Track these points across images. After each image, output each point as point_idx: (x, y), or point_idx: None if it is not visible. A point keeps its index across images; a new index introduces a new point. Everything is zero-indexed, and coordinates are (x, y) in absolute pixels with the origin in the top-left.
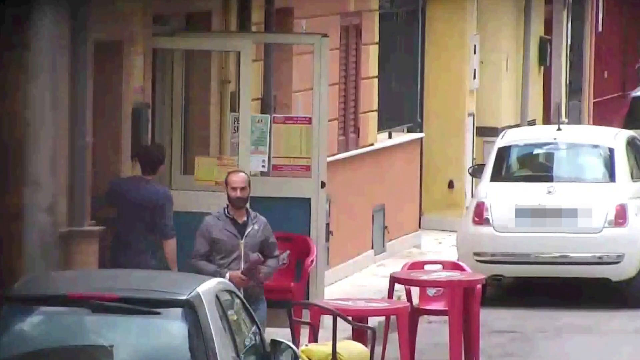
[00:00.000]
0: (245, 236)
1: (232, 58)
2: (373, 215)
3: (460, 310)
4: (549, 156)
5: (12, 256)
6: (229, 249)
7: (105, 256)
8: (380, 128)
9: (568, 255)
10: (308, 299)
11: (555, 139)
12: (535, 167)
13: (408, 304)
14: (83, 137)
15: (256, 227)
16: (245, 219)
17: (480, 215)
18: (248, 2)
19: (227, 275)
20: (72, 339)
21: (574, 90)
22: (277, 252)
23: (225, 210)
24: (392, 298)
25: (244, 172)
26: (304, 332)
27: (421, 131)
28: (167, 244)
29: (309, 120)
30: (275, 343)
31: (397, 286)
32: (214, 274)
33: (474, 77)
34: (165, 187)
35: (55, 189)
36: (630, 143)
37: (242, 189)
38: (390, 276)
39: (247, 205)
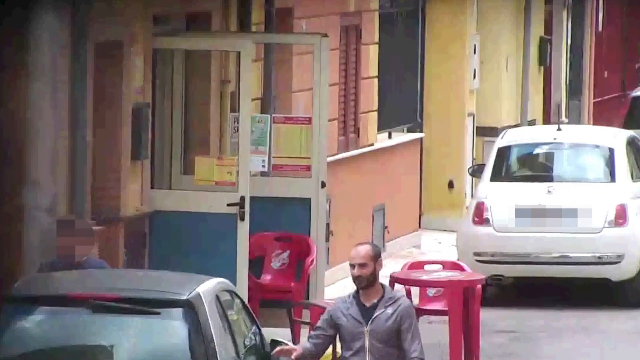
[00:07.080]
0: (371, 322)
1: (232, 58)
2: (373, 215)
3: (460, 310)
4: (549, 156)
5: (12, 256)
6: (351, 336)
7: None
8: (380, 128)
9: (568, 255)
10: (308, 299)
11: (555, 138)
12: (535, 167)
13: None
14: (83, 137)
15: (389, 311)
16: (375, 301)
17: (480, 215)
18: (248, 2)
19: None
20: (72, 339)
21: (574, 90)
22: (415, 344)
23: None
24: None
25: (369, 243)
26: (304, 332)
27: (421, 131)
28: None
29: (309, 120)
30: (275, 343)
31: (397, 286)
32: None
33: (474, 77)
34: None
35: (55, 189)
36: (630, 143)
37: (361, 265)
38: (390, 276)
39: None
